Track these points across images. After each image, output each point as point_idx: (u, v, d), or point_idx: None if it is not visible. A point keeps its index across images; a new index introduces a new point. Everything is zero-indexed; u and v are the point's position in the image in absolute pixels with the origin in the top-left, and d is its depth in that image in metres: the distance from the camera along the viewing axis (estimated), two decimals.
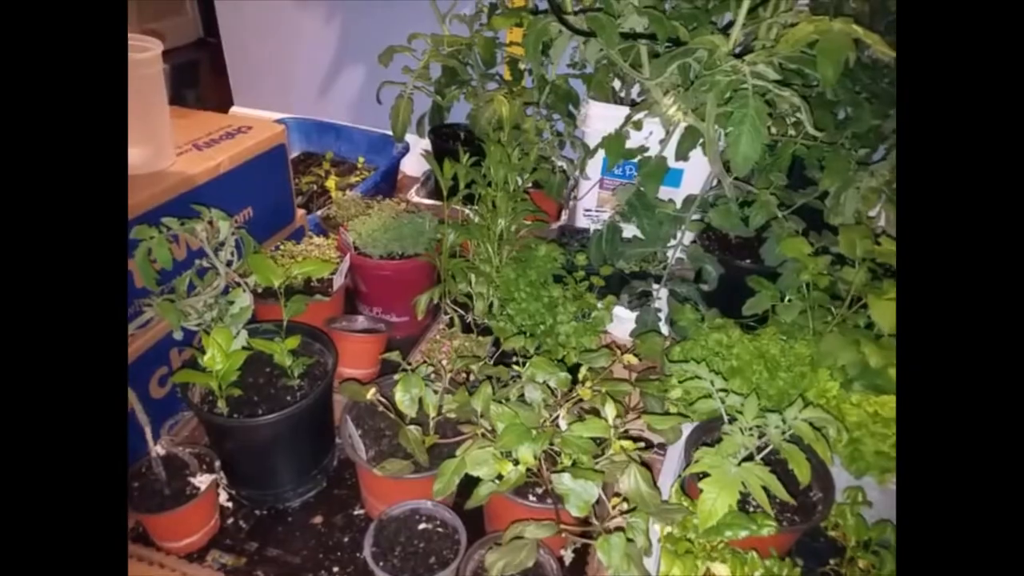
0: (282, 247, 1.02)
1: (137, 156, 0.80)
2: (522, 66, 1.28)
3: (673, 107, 0.88)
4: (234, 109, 1.79)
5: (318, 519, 0.76)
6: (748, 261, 0.95)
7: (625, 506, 0.59)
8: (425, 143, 1.37)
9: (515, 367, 0.71)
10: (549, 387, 0.69)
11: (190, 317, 0.73)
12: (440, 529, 0.67)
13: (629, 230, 1.00)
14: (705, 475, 0.56)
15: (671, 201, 0.98)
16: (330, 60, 1.61)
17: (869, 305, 0.69)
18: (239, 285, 0.76)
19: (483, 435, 0.64)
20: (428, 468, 0.68)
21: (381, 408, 0.73)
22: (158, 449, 0.70)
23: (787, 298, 0.82)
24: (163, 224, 0.70)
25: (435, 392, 0.72)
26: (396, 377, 0.71)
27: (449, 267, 0.97)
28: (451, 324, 0.99)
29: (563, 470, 0.58)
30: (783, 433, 0.60)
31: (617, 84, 1.18)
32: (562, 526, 0.58)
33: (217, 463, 0.72)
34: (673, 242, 0.98)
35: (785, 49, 0.72)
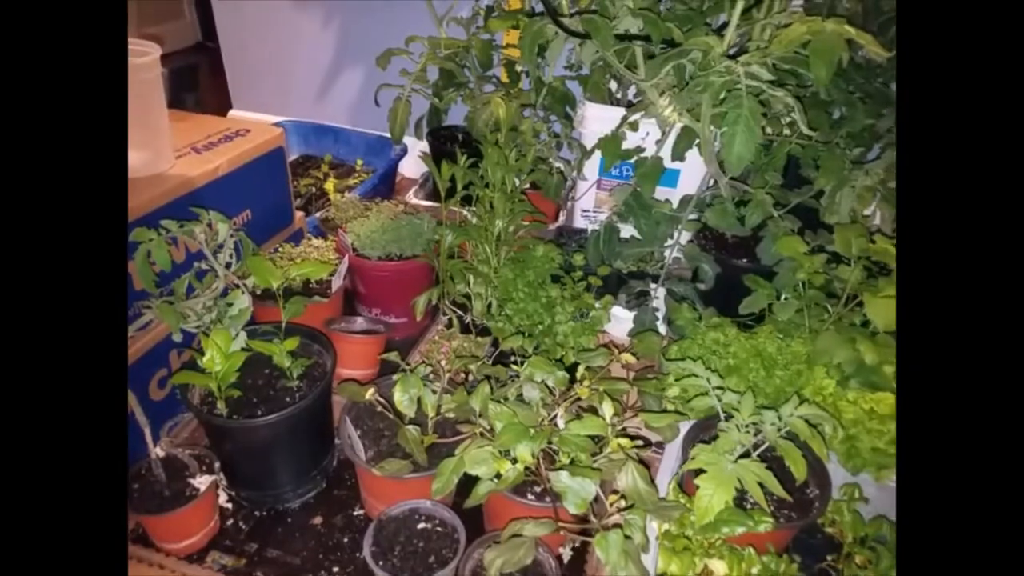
0: (281, 249, 1.02)
1: (136, 159, 0.80)
2: (519, 68, 1.28)
3: (668, 108, 0.89)
4: (232, 112, 1.79)
5: (318, 520, 0.76)
6: (744, 260, 0.95)
7: (623, 503, 0.59)
8: (423, 145, 1.38)
9: (513, 367, 0.72)
10: (547, 386, 0.69)
11: (189, 319, 0.73)
12: (439, 528, 0.67)
13: (626, 230, 1.00)
14: (702, 472, 0.57)
15: (668, 201, 0.99)
16: (328, 63, 1.62)
17: (865, 303, 0.69)
18: (238, 287, 0.77)
19: (482, 434, 0.64)
20: (427, 468, 0.68)
21: (380, 408, 0.73)
22: (158, 451, 0.70)
23: (783, 296, 0.83)
24: (162, 226, 0.71)
25: (434, 392, 0.72)
26: (395, 377, 0.71)
27: (447, 268, 0.97)
28: (450, 325, 0.99)
29: (561, 468, 0.58)
30: (779, 430, 0.60)
31: (613, 85, 1.18)
32: (560, 524, 0.59)
33: (217, 464, 0.72)
34: (670, 242, 0.98)
35: (779, 50, 0.73)
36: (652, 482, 0.59)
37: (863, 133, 0.94)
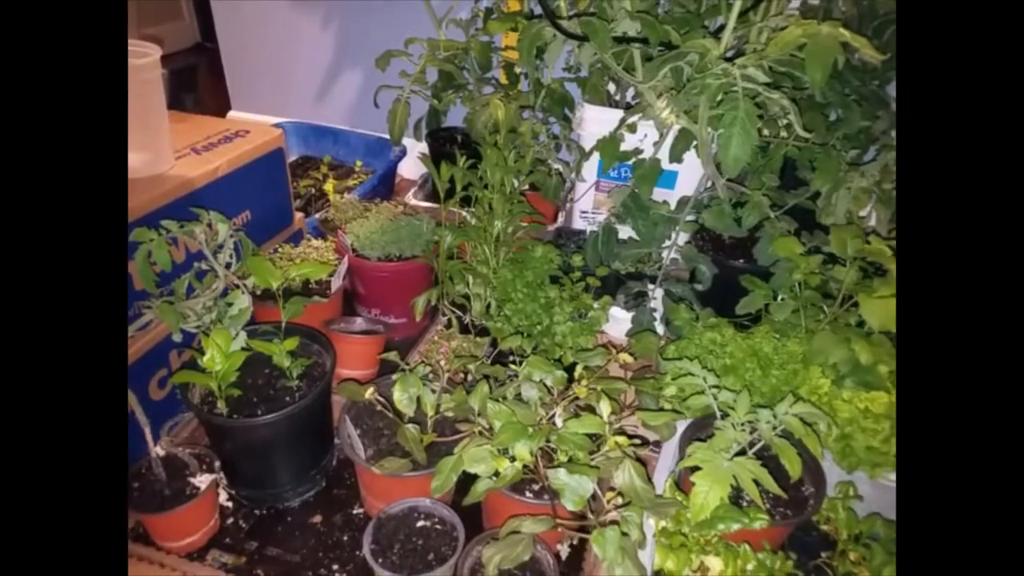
0: (280, 250, 1.03)
1: (136, 160, 0.80)
2: (518, 70, 1.29)
3: (666, 110, 0.90)
4: (232, 114, 1.79)
5: (317, 518, 0.77)
6: (741, 261, 0.96)
7: (620, 500, 0.60)
8: (422, 146, 1.39)
9: (512, 366, 0.72)
10: (545, 386, 0.70)
11: (189, 319, 0.73)
12: (439, 526, 0.68)
13: (625, 231, 1.01)
14: (697, 469, 0.57)
15: (665, 203, 1.00)
16: (327, 64, 1.62)
17: (860, 303, 0.70)
18: (238, 287, 0.77)
19: (480, 433, 0.65)
20: (426, 466, 0.69)
21: (379, 407, 0.73)
22: (158, 450, 0.71)
23: (780, 297, 0.84)
24: (162, 227, 0.71)
25: (433, 391, 0.72)
26: (394, 377, 0.72)
27: (447, 269, 0.98)
28: (449, 325, 1.00)
29: (559, 466, 0.58)
30: (774, 428, 0.61)
31: (612, 88, 1.19)
32: (558, 521, 0.59)
33: (217, 463, 0.72)
34: (668, 243, 0.99)
35: (775, 52, 0.74)
36: (649, 480, 0.59)
37: (859, 135, 0.95)
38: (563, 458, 0.62)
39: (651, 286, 0.99)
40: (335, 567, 0.71)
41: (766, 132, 0.94)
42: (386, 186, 1.45)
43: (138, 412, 0.68)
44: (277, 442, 0.74)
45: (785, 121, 0.92)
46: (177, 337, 0.72)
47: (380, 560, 0.63)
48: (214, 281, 0.75)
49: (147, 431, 0.69)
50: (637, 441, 0.64)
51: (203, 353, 0.69)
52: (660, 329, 0.98)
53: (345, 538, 0.74)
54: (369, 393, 0.71)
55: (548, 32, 0.92)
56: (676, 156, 0.93)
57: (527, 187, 1.04)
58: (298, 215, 1.13)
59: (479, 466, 0.60)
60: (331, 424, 0.83)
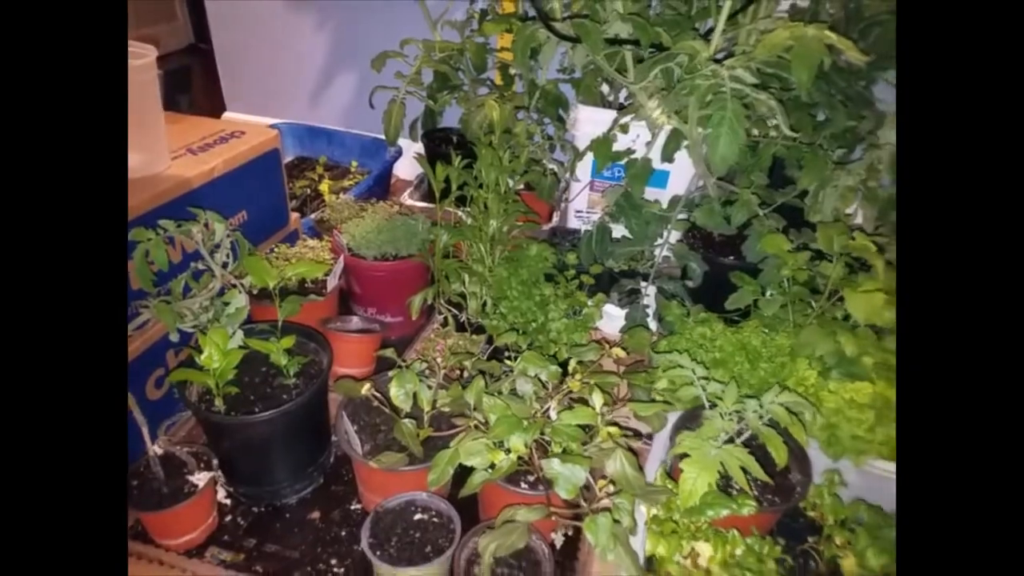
0: (276, 250, 1.03)
1: (133, 160, 0.81)
2: (512, 71, 1.30)
3: (657, 110, 0.91)
4: (226, 115, 1.79)
5: (315, 514, 0.78)
6: (731, 258, 0.98)
7: (612, 488, 0.61)
8: (418, 147, 1.40)
9: (507, 362, 0.73)
10: (540, 380, 0.71)
11: (186, 319, 0.74)
12: (435, 519, 0.69)
13: (618, 230, 1.02)
14: (686, 456, 0.59)
15: (657, 201, 1.01)
16: (323, 65, 1.63)
17: (845, 298, 0.72)
18: (234, 286, 0.78)
19: (476, 427, 0.66)
20: (423, 460, 0.70)
21: (376, 404, 0.74)
22: (156, 448, 0.71)
23: (768, 293, 0.85)
24: (160, 226, 0.72)
25: (429, 387, 0.73)
26: (391, 374, 0.73)
27: (443, 268, 0.99)
28: (445, 323, 1.01)
29: (553, 457, 0.60)
30: (760, 417, 0.63)
31: (605, 89, 1.21)
32: (552, 509, 0.60)
33: (215, 461, 0.73)
34: (660, 241, 1.00)
35: (763, 54, 0.75)
36: (640, 469, 0.61)
37: (845, 134, 0.97)
38: (557, 450, 0.63)
39: (644, 283, 1.00)
40: (333, 562, 0.72)
41: (755, 132, 0.96)
42: (382, 186, 1.46)
43: (136, 411, 0.68)
44: (274, 439, 0.75)
45: (774, 121, 0.94)
46: (174, 337, 0.73)
47: (378, 553, 0.64)
48: (211, 280, 0.76)
49: (145, 430, 0.70)
50: (630, 433, 0.66)
51: (201, 351, 0.69)
52: (653, 325, 0.99)
53: (343, 533, 0.75)
54: (366, 388, 0.72)
55: (542, 34, 0.93)
56: (667, 156, 0.95)
57: (522, 187, 1.06)
58: (294, 215, 1.14)
59: (475, 459, 0.61)
60: (328, 421, 0.84)
